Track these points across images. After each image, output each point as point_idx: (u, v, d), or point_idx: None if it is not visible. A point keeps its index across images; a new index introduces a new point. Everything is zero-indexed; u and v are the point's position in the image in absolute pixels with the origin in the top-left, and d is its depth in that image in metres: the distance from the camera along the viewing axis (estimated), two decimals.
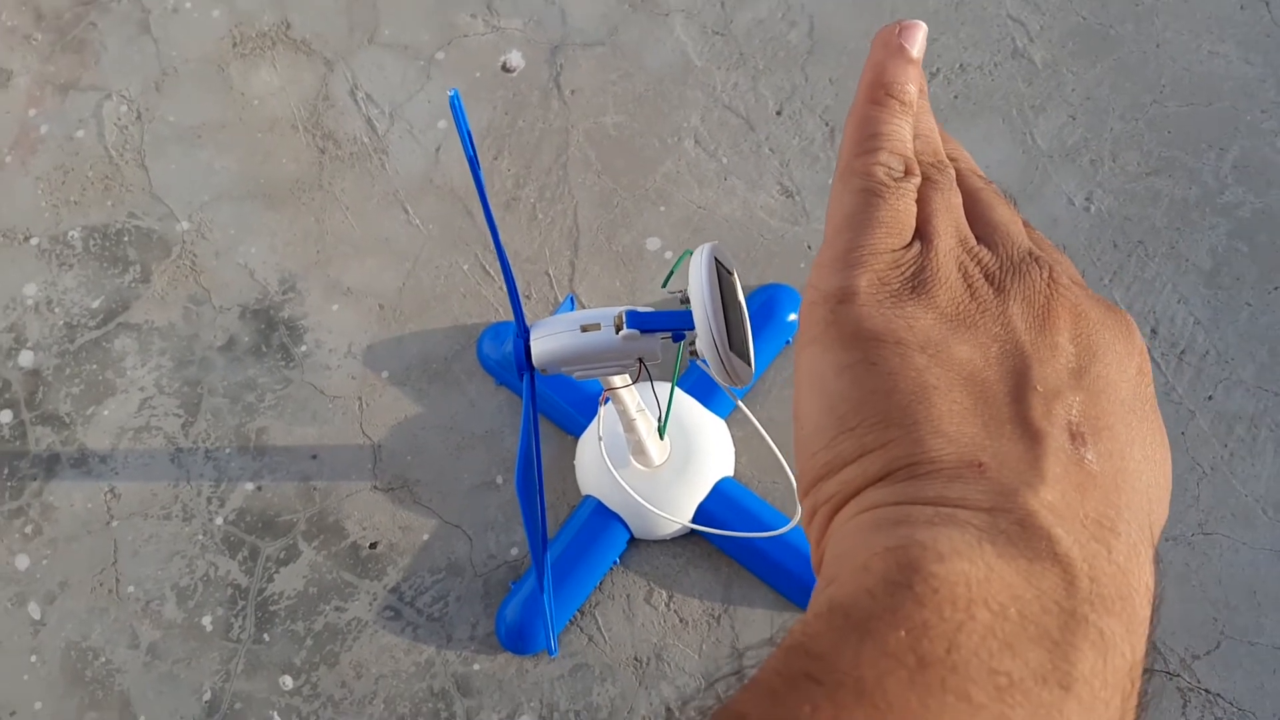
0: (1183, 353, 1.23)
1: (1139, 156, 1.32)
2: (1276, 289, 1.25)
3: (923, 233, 0.33)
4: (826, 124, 1.36)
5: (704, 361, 0.71)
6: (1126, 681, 0.26)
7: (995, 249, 0.33)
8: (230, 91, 1.45)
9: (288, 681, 1.18)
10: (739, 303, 0.73)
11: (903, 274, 0.32)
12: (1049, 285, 0.32)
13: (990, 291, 0.32)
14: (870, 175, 0.34)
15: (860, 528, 0.29)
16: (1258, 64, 1.35)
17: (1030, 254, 0.33)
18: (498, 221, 1.32)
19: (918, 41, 0.36)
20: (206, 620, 1.21)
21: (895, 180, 0.34)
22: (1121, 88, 1.35)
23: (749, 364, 0.73)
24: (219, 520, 1.25)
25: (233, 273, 1.35)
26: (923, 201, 0.34)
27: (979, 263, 0.33)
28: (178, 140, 1.43)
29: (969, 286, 0.32)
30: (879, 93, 0.35)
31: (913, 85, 0.36)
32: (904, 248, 0.33)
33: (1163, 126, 1.33)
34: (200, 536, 1.24)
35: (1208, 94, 1.34)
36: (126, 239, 1.38)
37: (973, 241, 0.34)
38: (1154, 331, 1.24)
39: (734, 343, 0.70)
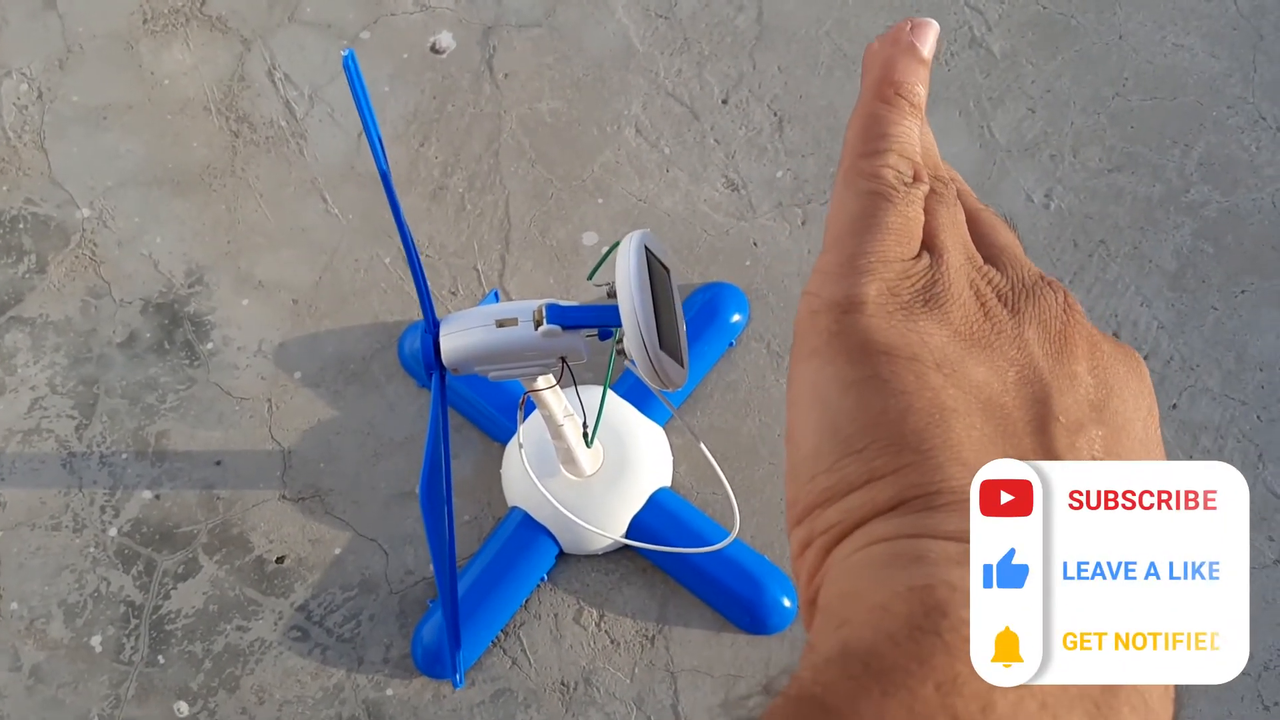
0: (1146, 358, 1.17)
1: (1100, 152, 1.26)
2: (1243, 292, 1.20)
3: (931, 245, 0.31)
4: (774, 114, 1.29)
5: (632, 362, 0.66)
6: None
7: (1004, 270, 0.32)
8: (139, 70, 1.36)
9: (183, 708, 1.11)
10: (672, 298, 0.68)
11: (913, 285, 0.30)
12: (1065, 311, 0.31)
13: (1005, 312, 0.30)
14: (878, 178, 0.32)
15: (871, 562, 0.27)
16: (1223, 58, 1.30)
17: (1042, 277, 0.32)
18: (423, 213, 1.25)
19: (929, 41, 0.34)
20: (96, 640, 1.14)
21: (904, 185, 0.32)
22: (1083, 80, 1.30)
23: (682, 365, 0.68)
24: (113, 531, 1.16)
25: (136, 264, 1.27)
26: (928, 214, 0.32)
27: (990, 282, 0.31)
28: (81, 121, 1.34)
29: (982, 305, 0.30)
30: (888, 91, 0.33)
31: (922, 87, 0.34)
32: (913, 258, 0.31)
33: (1125, 121, 1.28)
34: (92, 549, 1.16)
35: (1172, 88, 1.29)
36: (22, 226, 1.29)
37: (980, 260, 0.32)
38: (1116, 336, 1.19)
39: (665, 341, 0.65)
